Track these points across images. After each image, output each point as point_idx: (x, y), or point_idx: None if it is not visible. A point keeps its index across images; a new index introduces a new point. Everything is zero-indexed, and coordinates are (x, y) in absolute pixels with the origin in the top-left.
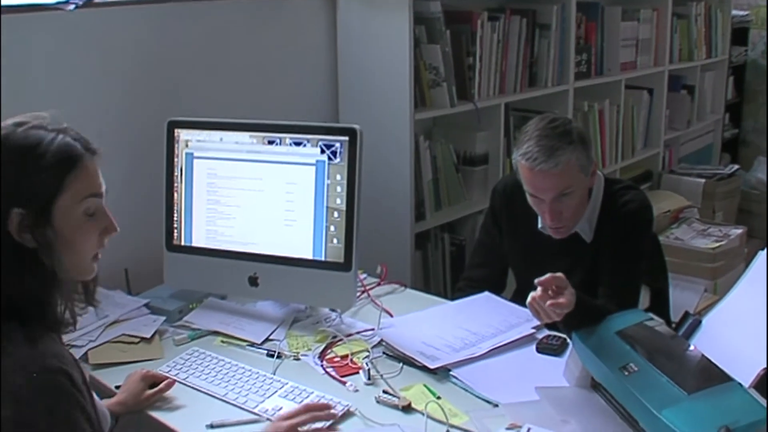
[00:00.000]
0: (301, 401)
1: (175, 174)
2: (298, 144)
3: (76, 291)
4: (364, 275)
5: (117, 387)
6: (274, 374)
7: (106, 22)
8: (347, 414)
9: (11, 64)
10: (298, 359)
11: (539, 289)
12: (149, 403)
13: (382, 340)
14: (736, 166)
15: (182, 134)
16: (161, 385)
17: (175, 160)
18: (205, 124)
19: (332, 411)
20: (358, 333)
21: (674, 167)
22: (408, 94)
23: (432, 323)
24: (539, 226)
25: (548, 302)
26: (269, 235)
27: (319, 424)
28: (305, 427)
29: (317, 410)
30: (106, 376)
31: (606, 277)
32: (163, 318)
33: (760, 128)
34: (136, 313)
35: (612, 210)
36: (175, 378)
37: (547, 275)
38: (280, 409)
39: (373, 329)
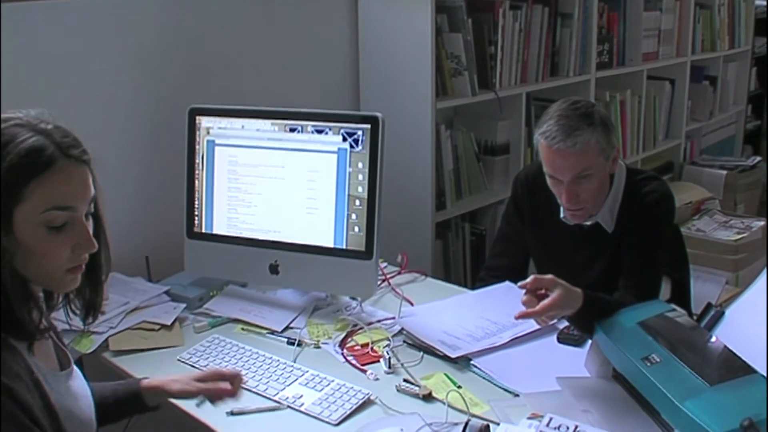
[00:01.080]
0: (322, 389)
1: (197, 161)
2: (319, 132)
3: (52, 299)
4: (385, 264)
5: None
6: (295, 362)
7: (125, 9)
8: (368, 402)
9: (27, 52)
10: (319, 347)
11: (523, 293)
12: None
13: (402, 329)
14: (759, 158)
15: (203, 121)
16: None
17: (197, 147)
18: (227, 111)
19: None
20: (378, 321)
21: (696, 159)
22: (429, 82)
23: (453, 312)
24: (561, 215)
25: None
26: (290, 223)
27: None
28: None
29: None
30: (127, 363)
31: (626, 268)
32: (184, 305)
33: None
34: (156, 300)
35: (634, 200)
36: (195, 365)
37: (530, 277)
38: (301, 396)
39: (393, 318)
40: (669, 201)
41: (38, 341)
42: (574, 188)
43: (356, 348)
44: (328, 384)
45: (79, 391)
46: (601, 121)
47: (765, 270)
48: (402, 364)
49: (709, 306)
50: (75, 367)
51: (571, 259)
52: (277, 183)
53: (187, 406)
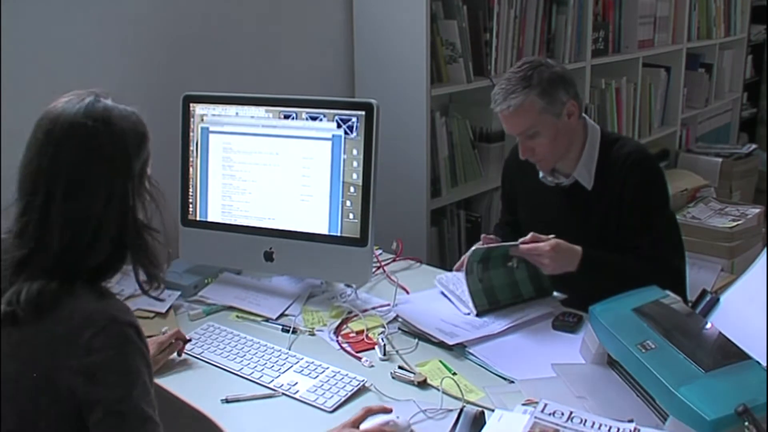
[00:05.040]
0: (316, 377)
1: (191, 149)
2: (314, 119)
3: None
4: (380, 251)
5: None
6: (290, 349)
7: None
8: (362, 389)
9: (16, 40)
10: (314, 334)
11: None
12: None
13: (397, 316)
14: (754, 146)
15: (198, 109)
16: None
17: (191, 134)
18: (221, 98)
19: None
20: (373, 308)
21: (691, 146)
22: (424, 69)
23: (448, 300)
24: (540, 176)
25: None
26: (285, 210)
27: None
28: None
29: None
30: None
31: (636, 240)
32: (179, 293)
33: None
34: None
35: (612, 159)
36: (190, 353)
37: (529, 234)
38: (296, 384)
39: (388, 305)
40: (651, 159)
41: None
42: (527, 144)
43: (351, 335)
44: (323, 371)
45: None
46: (541, 81)
47: (760, 257)
48: (397, 351)
49: (704, 292)
50: None
51: (559, 222)
52: (272, 170)
53: (183, 392)
